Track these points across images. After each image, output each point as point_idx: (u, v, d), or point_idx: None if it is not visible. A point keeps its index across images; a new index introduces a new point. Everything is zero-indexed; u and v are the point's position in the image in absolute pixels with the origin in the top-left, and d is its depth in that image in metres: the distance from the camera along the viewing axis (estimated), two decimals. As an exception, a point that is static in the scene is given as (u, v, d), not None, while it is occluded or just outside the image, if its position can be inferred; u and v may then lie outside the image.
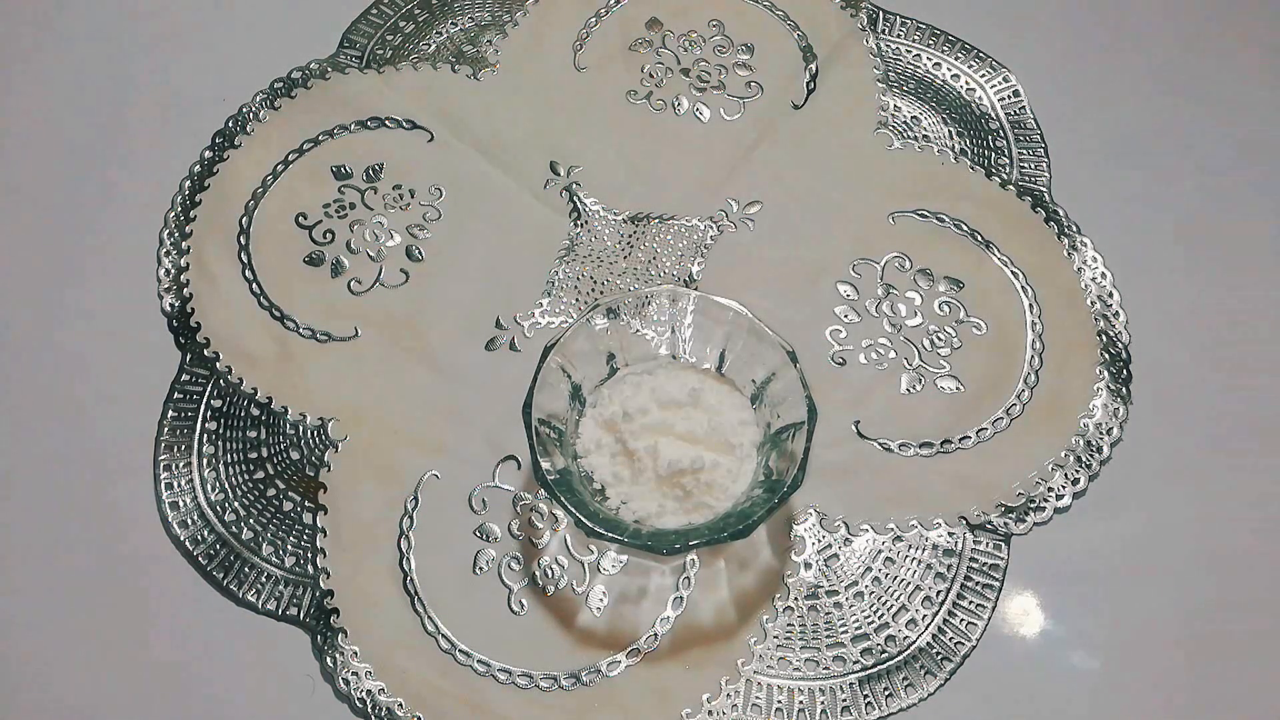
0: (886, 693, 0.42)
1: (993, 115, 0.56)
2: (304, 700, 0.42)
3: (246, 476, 0.47)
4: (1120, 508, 0.46)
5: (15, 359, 0.50)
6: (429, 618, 0.43)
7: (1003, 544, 0.45)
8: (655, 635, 0.43)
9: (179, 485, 0.47)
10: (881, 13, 0.59)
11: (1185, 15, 0.58)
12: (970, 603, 0.44)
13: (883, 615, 0.44)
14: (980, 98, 0.56)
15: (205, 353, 0.49)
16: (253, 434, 0.48)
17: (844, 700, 0.42)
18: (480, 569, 0.44)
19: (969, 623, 0.44)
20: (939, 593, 0.44)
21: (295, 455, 0.47)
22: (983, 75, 0.56)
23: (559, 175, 0.54)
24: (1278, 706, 0.43)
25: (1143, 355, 0.49)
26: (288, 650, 0.43)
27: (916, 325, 0.50)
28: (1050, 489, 0.46)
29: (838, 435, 0.47)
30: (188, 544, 0.45)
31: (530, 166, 0.54)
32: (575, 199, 0.53)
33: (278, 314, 0.50)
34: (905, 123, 0.55)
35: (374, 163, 0.54)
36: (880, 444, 0.47)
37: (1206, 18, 0.58)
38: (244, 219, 0.52)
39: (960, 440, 0.47)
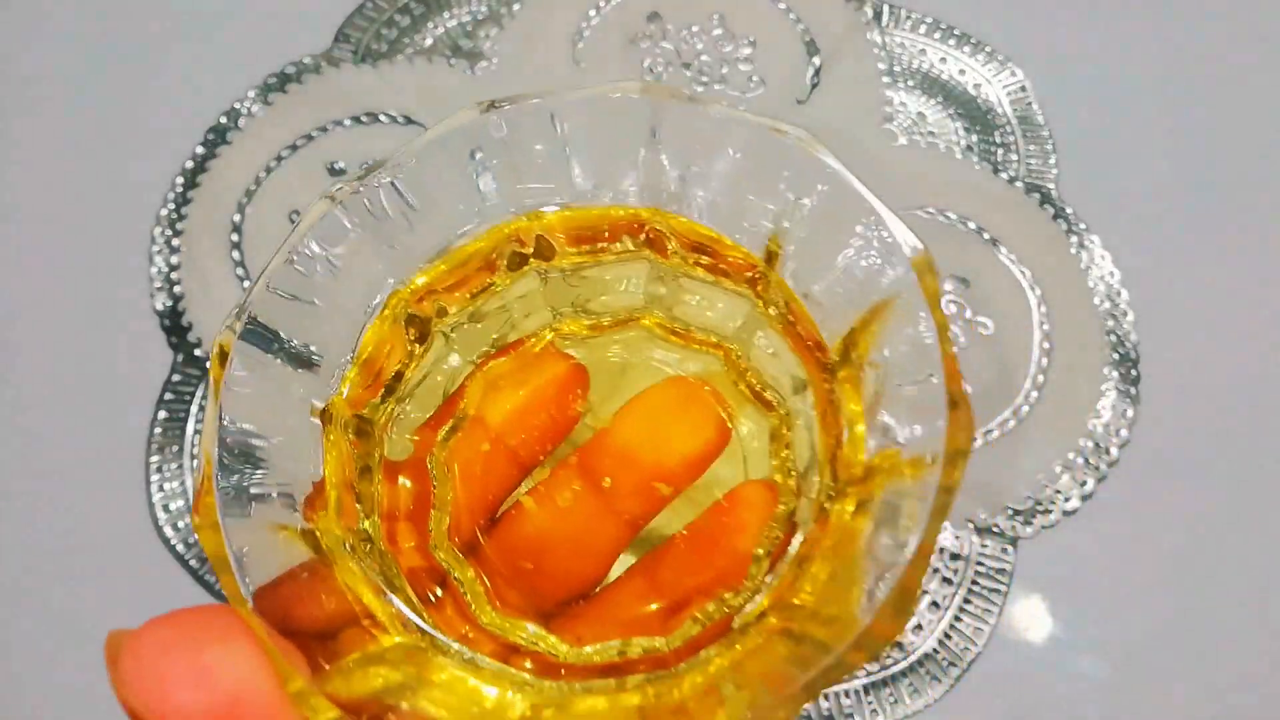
0: (892, 699, 0.42)
1: (1000, 111, 0.55)
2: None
3: (239, 479, 0.46)
4: (1129, 511, 0.46)
5: (3, 359, 0.49)
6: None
7: (1010, 547, 0.44)
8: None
9: (170, 487, 0.46)
10: (887, 6, 0.58)
11: (1198, 9, 0.57)
12: (977, 607, 0.43)
13: (888, 620, 0.43)
14: (987, 93, 0.55)
15: (197, 353, 0.48)
16: (246, 435, 0.47)
17: (848, 707, 0.41)
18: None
19: (976, 628, 0.43)
20: (945, 597, 0.44)
21: (289, 457, 0.46)
22: (990, 70, 0.56)
23: (558, 172, 0.53)
24: (1291, 714, 0.43)
25: (1152, 355, 0.49)
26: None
27: (922, 324, 0.49)
28: (1058, 491, 0.45)
29: (842, 437, 0.46)
30: (179, 547, 0.45)
31: (528, 163, 0.53)
32: (574, 196, 0.52)
33: (271, 313, 0.49)
34: (911, 118, 0.55)
35: (369, 159, 0.53)
36: (885, 446, 0.46)
37: (1219, 13, 0.57)
38: (237, 217, 0.52)
39: (966, 442, 0.46)
